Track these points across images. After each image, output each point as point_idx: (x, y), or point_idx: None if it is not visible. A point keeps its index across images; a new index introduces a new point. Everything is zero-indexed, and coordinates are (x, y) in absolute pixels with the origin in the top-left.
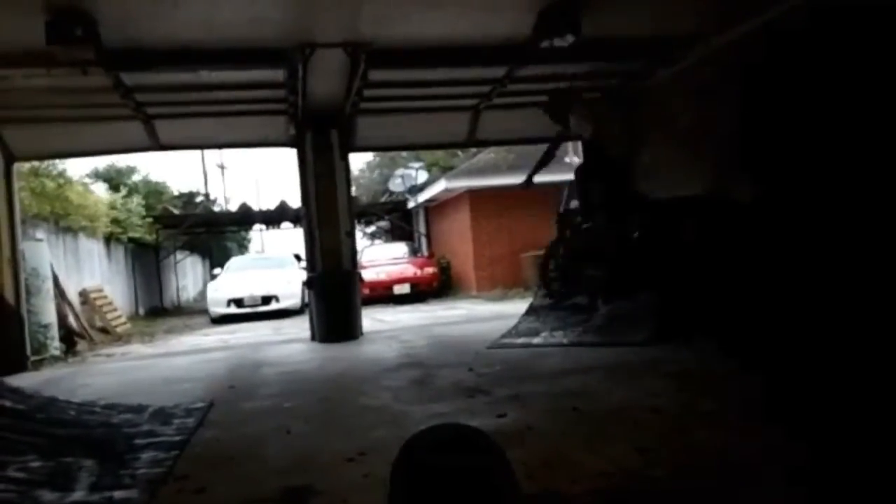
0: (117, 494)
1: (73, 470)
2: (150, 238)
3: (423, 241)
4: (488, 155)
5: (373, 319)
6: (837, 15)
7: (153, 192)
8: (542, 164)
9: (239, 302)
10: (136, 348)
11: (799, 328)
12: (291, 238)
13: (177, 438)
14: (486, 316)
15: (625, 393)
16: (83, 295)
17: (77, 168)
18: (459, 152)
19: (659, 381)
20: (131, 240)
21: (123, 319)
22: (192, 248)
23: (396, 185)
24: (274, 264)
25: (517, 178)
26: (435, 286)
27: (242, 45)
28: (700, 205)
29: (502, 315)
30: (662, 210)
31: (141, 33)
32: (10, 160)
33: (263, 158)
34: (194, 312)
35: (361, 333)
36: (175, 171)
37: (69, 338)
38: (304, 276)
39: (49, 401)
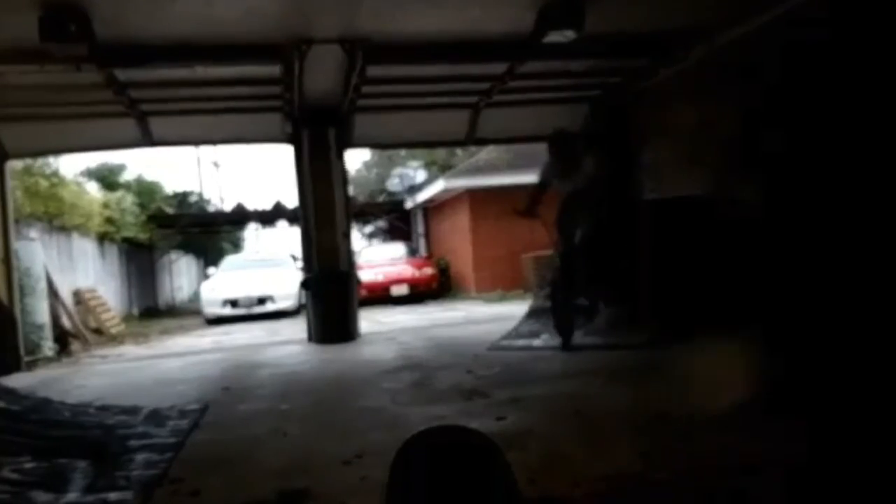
0: (112, 496)
1: (68, 471)
2: (144, 238)
3: (422, 241)
4: (488, 154)
5: (370, 321)
6: (847, 11)
7: (146, 192)
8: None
9: (234, 303)
10: (131, 349)
11: (802, 329)
12: (287, 237)
13: (171, 440)
14: (485, 318)
15: (626, 396)
16: (77, 295)
17: (70, 167)
18: (458, 151)
19: (660, 383)
20: (125, 240)
21: (117, 320)
22: (187, 247)
23: (394, 184)
24: (269, 264)
25: (517, 178)
26: (433, 287)
27: (238, 40)
28: (698, 205)
29: (502, 317)
30: (658, 211)
31: (135, 29)
32: (3, 157)
33: (259, 157)
34: (189, 313)
35: (359, 335)
36: (169, 170)
37: (63, 338)
38: (300, 276)
39: (43, 402)
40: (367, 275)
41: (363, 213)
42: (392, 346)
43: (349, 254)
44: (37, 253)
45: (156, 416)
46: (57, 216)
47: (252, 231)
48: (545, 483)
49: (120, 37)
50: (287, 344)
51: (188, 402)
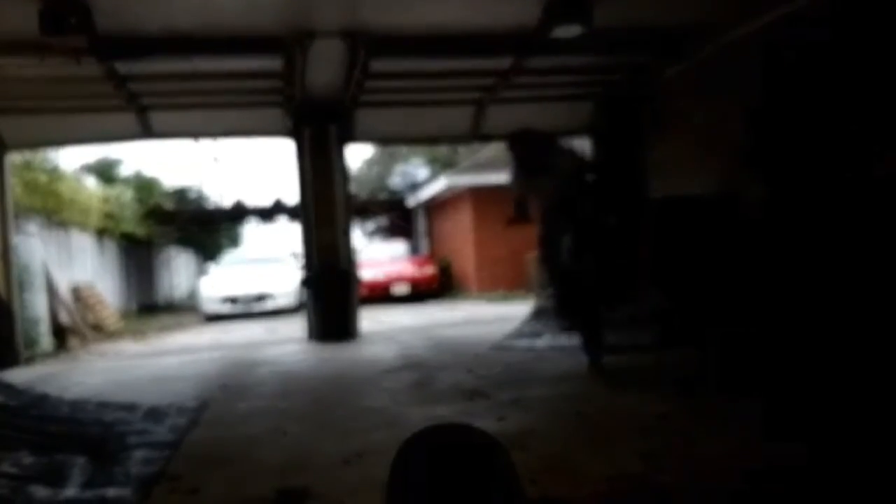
0: (110, 492)
1: (66, 467)
2: (142, 234)
3: (424, 240)
4: (491, 151)
5: (371, 320)
6: (859, 9)
7: (145, 187)
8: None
9: (233, 300)
10: (129, 346)
11: (805, 330)
12: (287, 234)
13: (170, 438)
14: (486, 318)
15: (629, 397)
16: (75, 291)
17: (68, 161)
18: (461, 148)
19: (664, 385)
20: (124, 235)
21: (116, 316)
22: (186, 244)
23: (396, 182)
24: (269, 261)
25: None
26: (435, 286)
27: (239, 33)
28: (705, 204)
29: (504, 317)
30: (663, 210)
31: (136, 21)
32: (3, 150)
33: (259, 153)
34: (187, 309)
35: (359, 334)
36: (167, 166)
37: (61, 334)
38: (299, 273)
39: (42, 397)
40: (367, 273)
41: (364, 211)
42: (392, 345)
43: (350, 252)
44: (36, 248)
45: (154, 413)
46: (56, 211)
47: (251, 227)
48: (546, 484)
49: (120, 29)
50: (287, 342)
51: (187, 400)
